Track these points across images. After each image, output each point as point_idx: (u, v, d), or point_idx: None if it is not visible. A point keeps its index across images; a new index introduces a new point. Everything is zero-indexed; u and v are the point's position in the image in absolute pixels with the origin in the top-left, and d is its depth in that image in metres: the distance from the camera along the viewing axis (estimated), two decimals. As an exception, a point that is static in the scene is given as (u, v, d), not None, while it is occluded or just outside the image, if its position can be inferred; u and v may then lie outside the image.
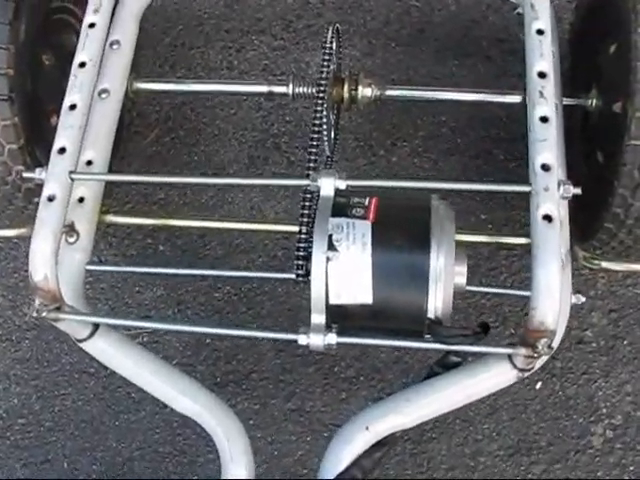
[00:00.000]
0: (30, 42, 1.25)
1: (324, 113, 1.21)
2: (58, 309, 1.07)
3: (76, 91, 1.14)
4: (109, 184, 1.38)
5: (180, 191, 1.60)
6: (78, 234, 1.23)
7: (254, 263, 1.54)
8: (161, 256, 1.56)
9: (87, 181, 1.22)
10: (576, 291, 1.12)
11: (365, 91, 1.33)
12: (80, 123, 1.13)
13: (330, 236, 0.98)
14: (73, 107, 1.13)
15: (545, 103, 1.06)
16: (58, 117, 1.14)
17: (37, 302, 1.06)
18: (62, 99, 1.15)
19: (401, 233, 0.99)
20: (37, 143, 1.30)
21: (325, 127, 1.24)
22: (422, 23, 1.72)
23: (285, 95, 1.35)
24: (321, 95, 1.20)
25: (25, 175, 1.11)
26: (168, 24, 1.76)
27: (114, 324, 1.16)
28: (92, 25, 1.19)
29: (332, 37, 1.30)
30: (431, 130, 1.61)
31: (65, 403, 1.51)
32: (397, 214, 1.02)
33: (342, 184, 1.03)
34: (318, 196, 1.03)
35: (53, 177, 1.08)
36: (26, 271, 1.08)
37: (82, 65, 1.16)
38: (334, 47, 1.30)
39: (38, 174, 1.09)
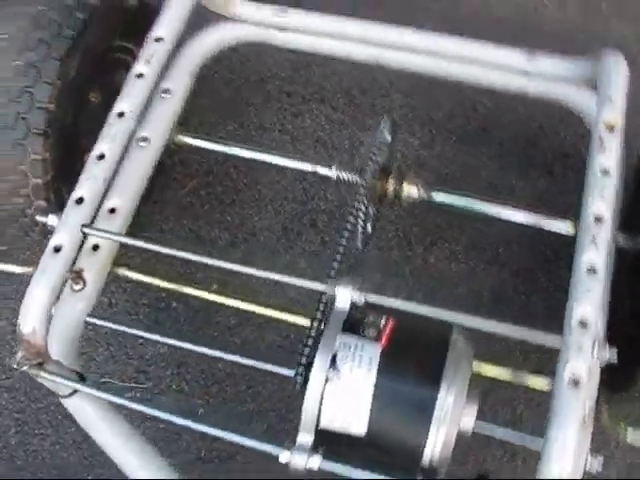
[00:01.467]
0: (80, 79, 1.22)
1: (361, 213, 1.16)
2: (40, 365, 1.02)
3: (108, 141, 1.10)
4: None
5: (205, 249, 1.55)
6: (85, 283, 1.16)
7: (264, 339, 1.46)
8: (172, 313, 1.50)
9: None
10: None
11: (411, 190, 1.26)
12: (105, 175, 1.09)
13: (335, 355, 0.90)
14: (101, 157, 1.09)
15: (596, 251, 0.98)
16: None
17: (20, 354, 1.01)
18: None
19: (412, 365, 0.91)
20: (65, 180, 1.26)
21: (361, 226, 1.19)
22: (487, 122, 1.65)
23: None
24: (360, 199, 1.14)
25: (38, 219, 1.06)
26: (231, 75, 1.73)
27: (91, 393, 1.08)
28: (140, 75, 1.16)
29: (385, 130, 1.25)
30: (475, 236, 1.53)
31: (43, 444, 1.45)
32: (412, 342, 0.93)
33: (360, 298, 0.95)
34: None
35: (64, 227, 1.04)
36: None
37: (121, 115, 1.12)
38: (386, 140, 1.25)
39: (50, 221, 1.05)
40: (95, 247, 1.20)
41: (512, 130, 1.64)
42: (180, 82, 1.34)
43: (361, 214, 1.18)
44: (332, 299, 0.96)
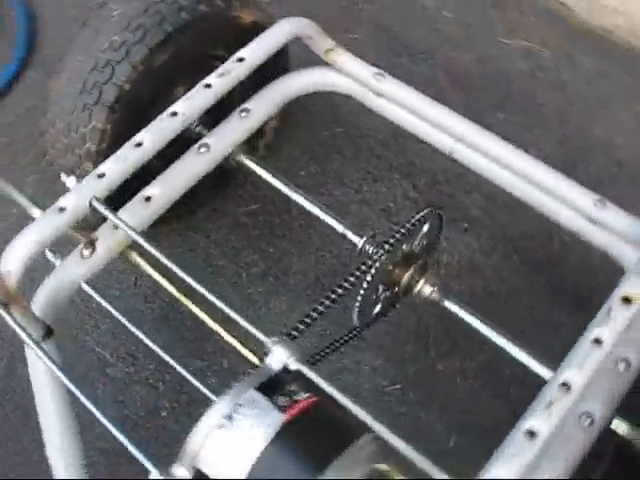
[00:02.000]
0: (166, 71, 1.29)
1: (363, 289, 1.14)
2: (5, 305, 1.07)
3: (151, 132, 1.15)
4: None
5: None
6: (94, 252, 1.23)
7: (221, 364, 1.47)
8: (179, 316, 1.53)
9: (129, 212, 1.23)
10: None
11: (425, 289, 1.22)
12: (136, 162, 1.14)
13: (239, 405, 0.88)
14: (139, 144, 1.14)
15: (545, 418, 0.89)
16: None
17: (-10, 288, 1.07)
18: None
19: (304, 448, 0.87)
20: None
21: (361, 301, 1.17)
22: (557, 256, 1.57)
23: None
24: (370, 264, 1.12)
25: (62, 176, 1.12)
26: (334, 119, 1.75)
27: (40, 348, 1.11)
28: (208, 85, 1.20)
29: (428, 220, 1.22)
30: (492, 360, 1.44)
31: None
32: (318, 428, 0.89)
33: (293, 365, 0.92)
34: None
35: (76, 193, 1.09)
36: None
37: (174, 114, 1.17)
38: (420, 228, 1.22)
39: (69, 182, 1.11)
40: (117, 225, 1.28)
41: (578, 274, 1.55)
42: (262, 108, 1.38)
43: (363, 289, 1.16)
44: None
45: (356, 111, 1.73)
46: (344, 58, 1.37)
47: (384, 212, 1.63)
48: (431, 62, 1.84)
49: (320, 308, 1.08)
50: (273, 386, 0.91)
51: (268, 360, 0.93)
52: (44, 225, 1.06)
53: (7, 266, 1.05)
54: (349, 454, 0.87)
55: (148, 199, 1.30)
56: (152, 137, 1.15)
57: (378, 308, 1.28)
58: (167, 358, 1.17)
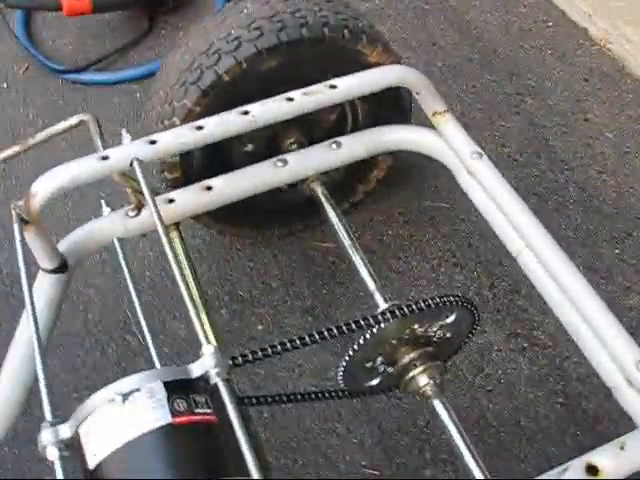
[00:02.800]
0: (273, 75, 1.30)
1: (353, 349, 1.07)
2: (26, 222, 1.13)
3: (217, 122, 1.16)
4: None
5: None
6: (137, 215, 1.28)
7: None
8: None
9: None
10: None
11: (420, 378, 1.11)
12: (189, 142, 1.14)
13: (137, 390, 0.86)
14: (199, 128, 1.16)
15: None
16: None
17: (20, 203, 1.13)
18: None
19: (172, 456, 0.82)
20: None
21: (350, 358, 1.09)
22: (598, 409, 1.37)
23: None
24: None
25: (123, 132, 1.17)
26: (441, 189, 1.70)
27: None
28: (290, 99, 1.19)
29: (449, 305, 1.12)
30: None
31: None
32: (196, 446, 0.84)
33: (213, 378, 0.87)
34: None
35: (122, 149, 1.12)
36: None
37: (245, 113, 1.17)
38: (443, 316, 1.12)
39: (124, 136, 1.15)
40: (171, 200, 1.31)
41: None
42: (353, 147, 1.36)
43: (352, 349, 1.09)
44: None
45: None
46: (450, 126, 1.32)
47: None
48: (567, 174, 1.72)
49: (279, 348, 1.01)
50: (182, 388, 0.88)
51: (194, 364, 0.90)
52: (84, 165, 1.11)
53: (37, 187, 1.11)
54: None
55: (209, 188, 1.33)
56: (215, 126, 1.16)
57: (375, 381, 1.19)
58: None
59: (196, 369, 0.89)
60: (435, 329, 1.15)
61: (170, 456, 0.83)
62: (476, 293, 1.53)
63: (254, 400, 1.11)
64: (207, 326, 1.22)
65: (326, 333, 1.05)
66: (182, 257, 1.32)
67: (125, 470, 0.83)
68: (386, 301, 1.20)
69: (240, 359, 0.95)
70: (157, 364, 1.08)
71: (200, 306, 1.24)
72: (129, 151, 1.12)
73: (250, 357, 0.96)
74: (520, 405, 1.38)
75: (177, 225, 1.35)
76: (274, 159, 1.34)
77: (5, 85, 2.10)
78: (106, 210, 1.31)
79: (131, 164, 1.12)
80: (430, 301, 1.09)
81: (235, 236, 1.63)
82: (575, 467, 0.86)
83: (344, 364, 1.12)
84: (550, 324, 1.47)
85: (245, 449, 0.83)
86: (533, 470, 1.31)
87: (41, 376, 0.94)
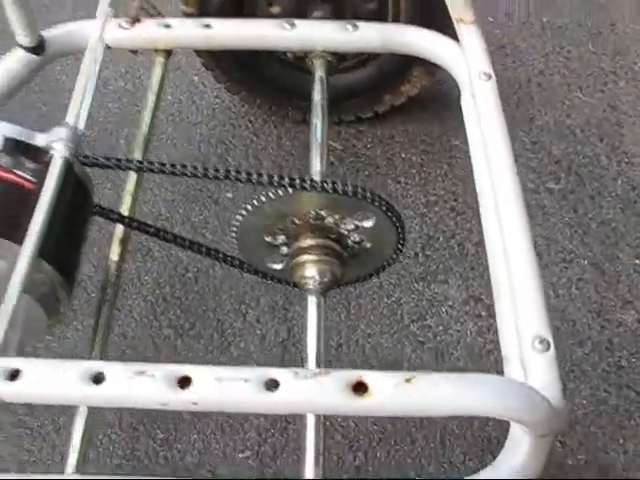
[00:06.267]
0: None
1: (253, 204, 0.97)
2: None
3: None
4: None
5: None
6: (129, 28, 1.23)
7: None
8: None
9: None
10: None
11: (308, 267, 1.00)
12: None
13: None
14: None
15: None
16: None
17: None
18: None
19: None
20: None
21: (242, 217, 1.00)
22: None
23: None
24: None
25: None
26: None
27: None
28: None
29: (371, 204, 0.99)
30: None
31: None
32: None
33: (56, 153, 0.82)
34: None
35: None
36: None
37: None
38: (359, 215, 1.00)
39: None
40: (167, 25, 1.25)
41: None
42: (369, 36, 1.22)
43: (245, 207, 0.99)
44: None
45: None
46: (472, 38, 1.15)
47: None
48: (623, 166, 1.51)
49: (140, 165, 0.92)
50: (18, 149, 0.83)
51: (43, 134, 0.85)
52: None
53: None
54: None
55: (207, 26, 1.25)
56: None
57: (278, 265, 1.10)
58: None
59: (41, 139, 0.85)
60: (350, 227, 1.03)
61: None
62: (459, 243, 1.38)
63: (106, 213, 1.01)
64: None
65: (221, 172, 0.96)
66: (154, 88, 1.28)
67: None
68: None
69: (94, 158, 0.88)
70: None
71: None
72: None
73: (101, 162, 0.88)
74: (443, 370, 1.24)
75: (167, 54, 1.30)
76: (282, 20, 1.24)
77: None
78: (103, 11, 1.27)
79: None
80: (343, 185, 0.97)
81: (245, 100, 1.55)
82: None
83: (238, 221, 1.02)
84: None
85: (38, 222, 0.78)
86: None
87: None
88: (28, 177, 0.82)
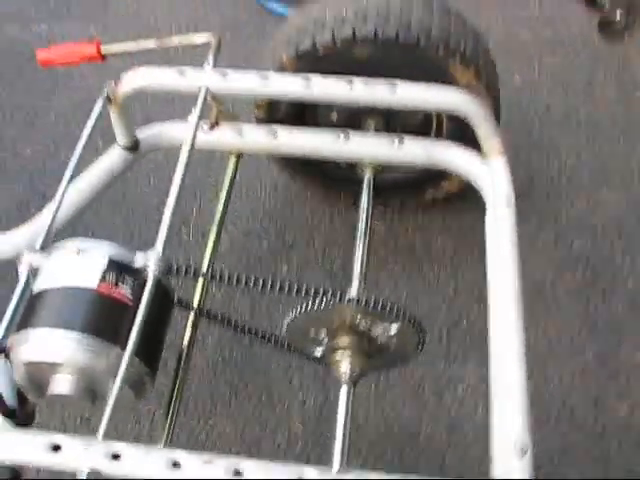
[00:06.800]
0: (359, 63, 1.41)
1: (308, 304, 1.20)
2: (109, 101, 1.36)
3: (278, 79, 1.31)
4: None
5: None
6: (209, 131, 1.46)
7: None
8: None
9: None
10: None
11: (342, 362, 1.22)
12: (253, 89, 1.31)
13: (84, 251, 1.07)
14: (265, 78, 1.31)
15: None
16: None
17: (112, 84, 1.36)
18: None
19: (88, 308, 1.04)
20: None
21: (296, 314, 1.22)
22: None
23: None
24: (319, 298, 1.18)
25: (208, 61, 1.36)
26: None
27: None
28: (350, 81, 1.30)
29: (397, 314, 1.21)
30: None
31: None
32: (101, 311, 1.05)
33: (150, 273, 1.07)
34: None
35: (196, 72, 1.32)
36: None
37: (306, 79, 1.31)
38: (388, 320, 1.21)
39: (207, 66, 1.34)
40: (240, 131, 1.48)
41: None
42: (414, 152, 1.44)
43: (301, 305, 1.22)
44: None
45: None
46: (499, 167, 1.36)
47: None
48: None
49: (218, 277, 1.16)
50: (121, 268, 1.08)
51: (139, 255, 1.09)
52: (164, 73, 1.32)
53: (125, 77, 1.34)
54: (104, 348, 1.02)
55: (274, 134, 1.47)
56: (277, 81, 1.31)
57: (319, 351, 1.32)
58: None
59: (139, 260, 1.09)
60: (379, 331, 1.25)
61: (83, 310, 1.04)
62: (480, 329, 1.58)
63: (184, 304, 1.27)
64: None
65: (277, 284, 1.19)
66: (226, 187, 1.51)
67: (52, 303, 1.05)
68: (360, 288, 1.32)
69: (176, 269, 1.12)
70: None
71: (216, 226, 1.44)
72: (201, 76, 1.31)
73: (184, 271, 1.13)
74: (453, 444, 1.45)
75: (238, 156, 1.53)
76: (339, 131, 1.44)
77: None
78: (194, 112, 1.50)
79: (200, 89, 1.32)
80: (374, 302, 1.19)
81: (304, 186, 1.79)
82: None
83: (289, 319, 1.25)
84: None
85: (136, 330, 1.02)
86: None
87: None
88: (128, 295, 1.06)
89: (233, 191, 1.50)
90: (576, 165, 1.89)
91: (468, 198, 1.74)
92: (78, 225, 1.53)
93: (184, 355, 1.28)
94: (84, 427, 1.48)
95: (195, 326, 1.30)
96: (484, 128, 1.35)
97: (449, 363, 1.55)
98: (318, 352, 1.32)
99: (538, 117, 2.00)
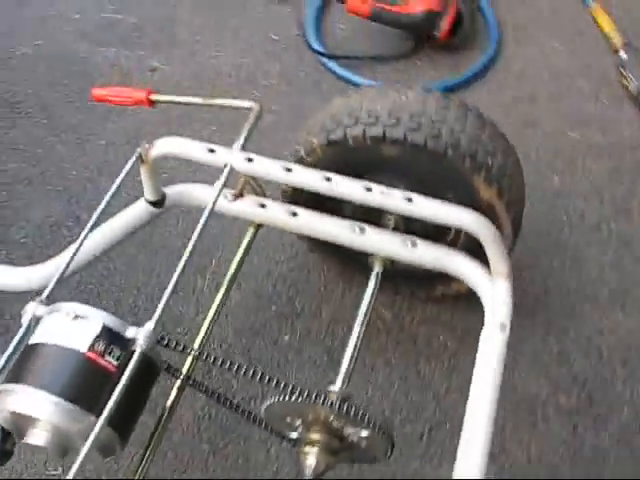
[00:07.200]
0: (388, 163, 1.46)
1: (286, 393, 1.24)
2: (142, 161, 1.44)
3: (299, 170, 1.36)
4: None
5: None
6: (232, 201, 1.52)
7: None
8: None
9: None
10: None
11: (310, 455, 1.27)
12: (275, 176, 1.36)
13: (82, 318, 1.14)
14: (289, 170, 1.36)
15: None
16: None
17: (146, 146, 1.43)
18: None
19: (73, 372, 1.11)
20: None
21: (275, 400, 1.27)
22: None
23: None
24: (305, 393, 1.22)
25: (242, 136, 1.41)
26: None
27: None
28: (369, 189, 1.34)
29: (368, 423, 1.24)
30: None
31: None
32: (86, 379, 1.10)
33: (139, 346, 1.12)
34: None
35: (224, 152, 1.37)
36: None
37: (328, 179, 1.35)
38: (360, 426, 1.25)
39: (238, 140, 1.40)
40: (263, 205, 1.54)
41: None
42: (425, 256, 1.47)
43: (282, 393, 1.26)
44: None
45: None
46: (502, 290, 1.38)
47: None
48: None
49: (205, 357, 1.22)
50: (112, 337, 1.14)
51: (132, 328, 1.15)
52: (193, 147, 1.38)
53: (157, 142, 1.41)
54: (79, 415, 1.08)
55: (294, 214, 1.53)
56: (299, 174, 1.36)
57: (294, 435, 1.36)
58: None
59: (130, 332, 1.15)
60: (350, 432, 1.28)
61: (68, 374, 1.10)
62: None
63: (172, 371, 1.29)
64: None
65: (259, 374, 1.23)
66: (241, 251, 1.57)
67: (42, 359, 1.12)
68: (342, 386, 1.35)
69: (166, 343, 1.18)
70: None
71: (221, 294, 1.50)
72: (227, 158, 1.37)
73: (173, 346, 1.18)
74: None
75: (258, 227, 1.59)
76: (356, 224, 1.49)
77: (277, 37, 2.44)
78: (218, 183, 1.58)
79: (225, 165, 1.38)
80: (350, 408, 1.23)
81: (322, 258, 1.83)
82: None
83: (270, 402, 1.29)
84: None
85: (113, 400, 1.07)
86: None
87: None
88: (113, 362, 1.12)
89: (253, 247, 1.56)
90: (597, 281, 1.88)
91: (475, 299, 1.77)
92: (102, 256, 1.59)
93: (165, 414, 1.34)
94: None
95: (182, 389, 1.36)
96: (493, 250, 1.37)
97: (424, 462, 1.57)
98: (293, 435, 1.37)
99: (569, 223, 2.00)
